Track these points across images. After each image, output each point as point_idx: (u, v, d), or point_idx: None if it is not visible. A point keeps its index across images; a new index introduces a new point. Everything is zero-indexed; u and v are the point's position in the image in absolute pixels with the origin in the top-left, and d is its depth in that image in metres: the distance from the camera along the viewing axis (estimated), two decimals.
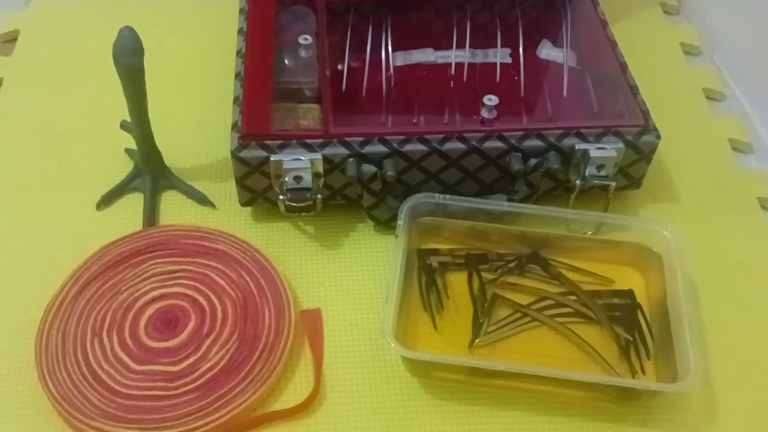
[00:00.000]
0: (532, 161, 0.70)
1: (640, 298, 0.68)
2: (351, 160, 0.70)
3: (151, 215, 0.74)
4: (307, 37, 0.79)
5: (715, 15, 0.95)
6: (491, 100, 0.73)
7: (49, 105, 0.85)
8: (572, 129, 0.70)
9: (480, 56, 0.86)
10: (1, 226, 0.74)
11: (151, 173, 0.76)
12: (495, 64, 0.84)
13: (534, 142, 0.70)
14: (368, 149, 0.69)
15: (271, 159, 0.68)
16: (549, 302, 0.67)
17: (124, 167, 0.78)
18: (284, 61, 0.79)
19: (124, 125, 0.75)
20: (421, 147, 0.70)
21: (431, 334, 0.65)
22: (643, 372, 0.63)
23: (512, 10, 0.87)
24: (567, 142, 0.70)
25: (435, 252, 0.70)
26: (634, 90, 0.74)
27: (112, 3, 0.98)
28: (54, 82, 0.88)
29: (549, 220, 0.71)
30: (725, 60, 0.93)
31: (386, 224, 0.74)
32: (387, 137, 0.69)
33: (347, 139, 0.69)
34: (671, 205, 0.78)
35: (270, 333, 0.64)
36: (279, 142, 0.69)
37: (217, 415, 0.59)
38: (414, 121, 0.74)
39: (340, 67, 0.81)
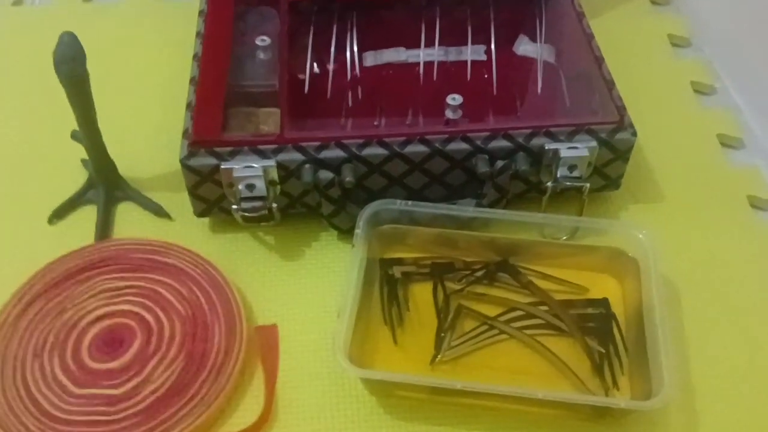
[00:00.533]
0: (499, 163, 0.66)
1: (616, 306, 0.63)
2: (307, 166, 0.66)
3: (103, 228, 0.71)
4: (265, 38, 0.76)
5: (706, 5, 0.90)
6: (455, 99, 0.69)
7: (3, 113, 0.82)
8: (541, 128, 0.66)
9: (453, 54, 0.82)
10: None
11: (104, 184, 0.73)
12: (470, 62, 0.80)
13: (501, 143, 0.66)
14: (325, 154, 0.66)
15: (222, 167, 0.65)
16: (518, 313, 0.63)
17: (80, 178, 0.75)
18: (243, 64, 0.76)
19: (74, 135, 0.72)
20: (381, 151, 0.66)
21: (391, 350, 0.61)
22: (617, 387, 0.59)
23: (487, 5, 0.83)
24: (536, 141, 0.66)
25: (398, 261, 0.66)
26: (609, 85, 0.70)
27: (65, 7, 0.95)
28: (9, 91, 0.85)
29: (521, 225, 0.66)
30: (716, 51, 0.88)
31: (349, 233, 0.70)
32: (344, 141, 0.66)
33: (302, 144, 0.66)
34: (654, 205, 0.73)
35: (219, 352, 0.61)
36: (230, 149, 0.65)
37: None
38: (375, 123, 0.70)
39: (302, 70, 0.78)
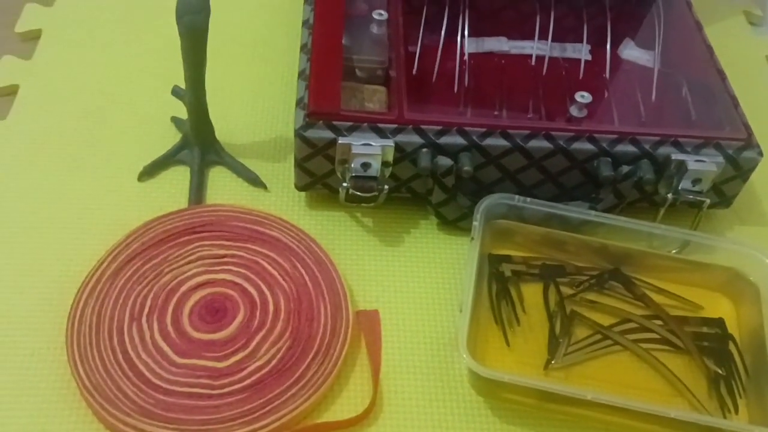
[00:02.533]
0: (624, 168, 0.64)
1: (731, 328, 0.62)
2: (425, 150, 0.63)
3: (198, 192, 0.68)
4: (382, 12, 0.72)
5: None
6: (584, 97, 0.66)
7: (93, 63, 0.78)
8: (670, 137, 0.64)
9: (557, 50, 0.79)
10: (35, 190, 0.67)
11: (200, 146, 0.69)
12: (576, 60, 0.77)
13: (627, 148, 0.64)
14: (445, 140, 0.63)
15: (339, 142, 0.62)
16: (632, 325, 0.61)
17: (169, 137, 0.72)
18: (352, 37, 0.73)
19: (176, 91, 0.68)
20: (503, 142, 0.63)
21: (503, 351, 0.59)
22: (736, 411, 0.57)
23: (596, 3, 0.81)
24: (663, 150, 0.64)
25: (508, 259, 0.64)
26: (734, 101, 0.68)
27: None
28: (99, 37, 0.81)
29: (631, 233, 0.64)
30: None
31: (452, 224, 0.68)
32: (466, 128, 0.63)
33: (423, 126, 0.63)
34: (760, 228, 0.71)
35: (326, 333, 0.58)
36: (348, 123, 0.63)
37: (264, 422, 0.53)
38: (495, 113, 0.68)
39: (411, 48, 0.75)
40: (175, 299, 0.59)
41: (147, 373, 0.55)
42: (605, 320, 0.61)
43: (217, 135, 0.71)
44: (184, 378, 0.55)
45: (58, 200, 0.67)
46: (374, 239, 0.68)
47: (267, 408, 0.54)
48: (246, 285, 0.60)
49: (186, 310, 0.58)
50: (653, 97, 0.72)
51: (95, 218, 0.66)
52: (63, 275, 0.61)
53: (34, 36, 0.81)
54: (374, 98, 0.70)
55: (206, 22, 0.60)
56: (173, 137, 0.72)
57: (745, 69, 0.87)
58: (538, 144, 0.63)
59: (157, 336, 0.57)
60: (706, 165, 0.64)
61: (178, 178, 0.69)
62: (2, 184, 0.67)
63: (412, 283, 0.65)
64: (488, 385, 0.57)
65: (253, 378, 0.55)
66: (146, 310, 0.58)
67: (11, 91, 0.75)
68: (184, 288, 0.59)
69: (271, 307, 0.59)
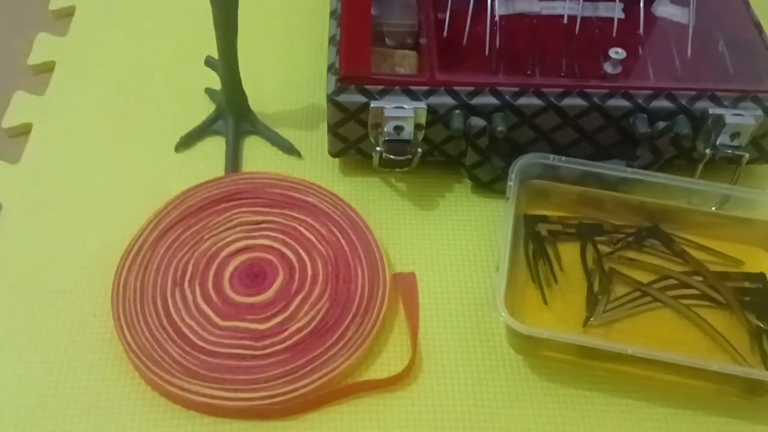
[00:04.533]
0: (660, 124, 0.63)
1: None
2: (457, 111, 0.63)
3: (233, 161, 0.68)
4: None
5: None
6: (618, 53, 0.65)
7: (126, 37, 0.79)
8: (707, 91, 0.63)
9: (590, 9, 0.78)
10: (77, 162, 0.69)
11: (234, 116, 0.70)
12: (609, 18, 0.76)
13: (663, 103, 0.63)
14: (477, 101, 0.63)
15: (372, 105, 0.62)
16: (672, 282, 0.60)
17: (203, 108, 0.73)
18: (382, 2, 0.73)
19: (209, 61, 0.69)
20: (536, 101, 0.63)
21: (540, 309, 0.59)
22: None
23: None
24: (699, 105, 0.63)
25: (544, 219, 0.64)
26: None
27: None
28: (131, 13, 0.82)
29: (670, 190, 0.64)
30: None
31: (487, 186, 0.68)
32: (499, 88, 0.63)
33: (455, 88, 0.63)
34: None
35: (363, 295, 0.59)
36: (380, 87, 0.63)
37: (307, 380, 0.54)
38: (528, 73, 0.67)
39: (440, 10, 0.74)
40: (215, 264, 0.60)
41: (191, 336, 0.56)
42: (644, 278, 0.61)
43: (251, 104, 0.71)
44: (227, 340, 0.56)
45: (98, 174, 0.68)
46: (409, 203, 0.68)
47: (309, 367, 0.55)
48: (284, 250, 0.61)
49: (226, 274, 0.59)
50: (689, 52, 0.71)
51: (135, 189, 0.67)
52: (106, 244, 0.63)
53: (68, 13, 0.82)
54: (405, 63, 0.70)
55: None
56: (208, 108, 0.73)
57: None
58: (572, 102, 0.63)
59: (199, 300, 0.58)
60: (744, 119, 0.62)
61: (214, 148, 0.70)
62: (44, 159, 0.69)
63: (448, 246, 0.65)
64: (527, 343, 0.58)
65: (294, 339, 0.56)
66: (188, 275, 0.59)
67: (48, 68, 0.77)
68: (223, 254, 0.60)
69: (309, 271, 0.60)
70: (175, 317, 0.57)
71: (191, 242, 0.61)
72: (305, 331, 0.56)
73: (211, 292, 0.58)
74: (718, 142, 0.64)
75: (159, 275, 0.59)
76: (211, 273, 0.59)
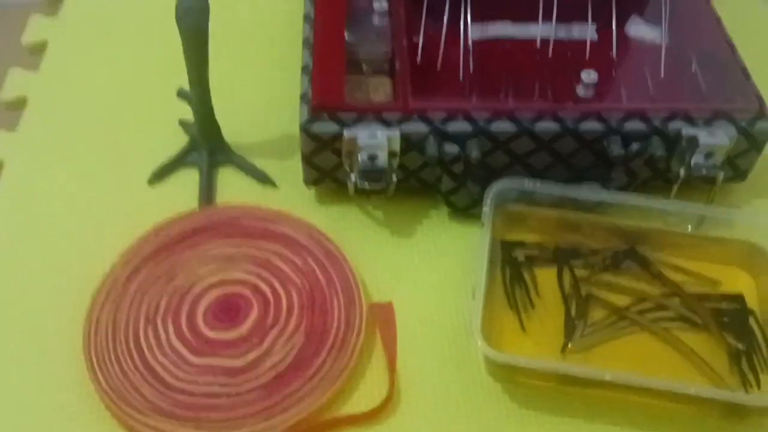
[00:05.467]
0: (634, 146, 0.63)
1: (751, 303, 0.61)
2: (431, 138, 0.63)
3: (207, 193, 0.68)
4: (383, 2, 0.72)
5: None
6: (590, 75, 0.65)
7: (99, 70, 0.79)
8: (680, 111, 0.63)
9: (563, 31, 0.78)
10: (48, 198, 0.68)
11: (208, 148, 0.70)
12: (581, 40, 0.76)
13: (636, 125, 0.63)
14: (451, 127, 0.63)
15: (345, 134, 0.62)
16: (649, 304, 0.60)
17: (177, 140, 0.72)
18: (354, 30, 0.73)
19: (181, 93, 0.68)
20: (510, 126, 0.63)
21: (518, 335, 0.59)
22: (758, 386, 0.56)
23: None
24: (673, 126, 0.63)
25: (520, 244, 0.64)
26: (745, 72, 0.67)
27: None
28: (103, 45, 0.81)
29: (645, 212, 0.63)
30: None
31: (463, 211, 0.67)
32: (472, 114, 0.63)
33: (428, 114, 0.63)
34: None
35: (340, 327, 0.58)
36: (353, 115, 0.62)
37: (283, 417, 0.53)
38: (501, 98, 0.67)
39: (413, 37, 0.74)
40: (188, 300, 0.59)
41: (164, 374, 0.55)
42: (622, 301, 0.61)
43: (225, 135, 0.71)
44: (201, 377, 0.55)
45: (69, 209, 0.67)
46: (386, 231, 0.67)
47: (285, 403, 0.54)
48: (258, 283, 0.60)
49: (200, 310, 0.59)
50: (662, 72, 0.71)
51: (107, 224, 0.66)
52: (78, 281, 0.62)
53: (40, 47, 0.81)
54: (379, 90, 0.70)
55: (206, 22, 0.60)
56: (182, 140, 0.72)
57: (757, 38, 0.85)
58: (546, 126, 0.63)
59: (172, 337, 0.57)
60: (718, 138, 0.62)
61: (188, 180, 0.70)
62: (14, 193, 0.68)
63: (426, 273, 0.64)
64: (505, 371, 0.57)
65: (270, 374, 0.55)
66: (161, 312, 0.58)
67: (21, 103, 0.76)
68: (197, 289, 0.60)
69: (284, 304, 0.59)
70: (148, 355, 0.56)
71: (164, 278, 0.60)
72: (281, 366, 0.56)
73: (185, 328, 0.57)
74: (692, 163, 0.63)
75: (131, 312, 0.58)
76: (185, 309, 0.58)
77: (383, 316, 0.61)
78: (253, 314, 0.58)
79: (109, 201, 0.68)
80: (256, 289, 0.60)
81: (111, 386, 0.54)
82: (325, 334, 0.58)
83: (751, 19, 0.87)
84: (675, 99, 0.66)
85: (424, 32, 0.75)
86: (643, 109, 0.63)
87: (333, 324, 0.58)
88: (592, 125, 0.63)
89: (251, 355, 0.56)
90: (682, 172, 0.64)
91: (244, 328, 0.58)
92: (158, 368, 0.55)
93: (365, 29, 0.73)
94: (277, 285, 0.60)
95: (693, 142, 0.63)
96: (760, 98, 0.65)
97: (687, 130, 0.63)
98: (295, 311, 0.59)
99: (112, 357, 0.56)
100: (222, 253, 0.62)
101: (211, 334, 0.57)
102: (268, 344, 0.57)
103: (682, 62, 0.72)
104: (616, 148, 0.63)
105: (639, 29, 0.79)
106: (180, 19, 0.60)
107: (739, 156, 0.66)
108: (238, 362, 0.56)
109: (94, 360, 0.56)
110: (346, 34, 0.71)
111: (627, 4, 0.78)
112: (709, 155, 0.63)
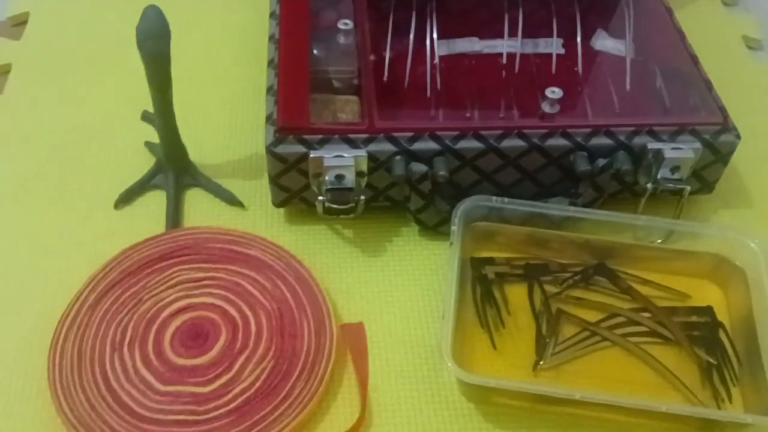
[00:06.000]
0: (600, 161, 0.63)
1: (721, 315, 0.61)
2: (398, 157, 0.63)
3: (174, 216, 0.67)
4: (348, 21, 0.72)
5: None
6: (554, 92, 0.66)
7: (63, 93, 0.78)
8: (644, 126, 0.63)
9: (529, 46, 0.79)
10: (13, 226, 0.67)
11: (174, 170, 0.69)
12: (548, 54, 0.77)
13: (602, 141, 0.63)
14: (418, 146, 0.63)
15: (311, 155, 0.62)
16: (620, 319, 0.60)
17: (144, 162, 0.71)
18: (320, 49, 0.72)
19: (146, 116, 0.68)
20: (476, 144, 0.63)
21: (490, 355, 0.58)
22: (730, 400, 0.56)
23: None
24: (638, 140, 0.63)
25: (490, 261, 0.63)
26: (708, 85, 0.67)
27: None
28: (67, 69, 0.80)
29: (614, 226, 0.64)
30: None
31: (433, 229, 0.67)
32: (438, 133, 0.63)
33: (394, 134, 0.62)
34: (745, 211, 0.71)
35: (310, 350, 0.57)
36: (319, 136, 0.62)
37: None
38: (467, 115, 0.67)
39: (380, 55, 0.74)
40: (155, 326, 0.58)
41: (131, 403, 0.54)
42: (592, 316, 0.61)
43: (192, 157, 0.70)
44: (168, 405, 0.54)
45: (35, 236, 0.66)
46: (356, 250, 0.67)
47: (255, 429, 0.53)
48: (227, 307, 0.59)
49: (167, 336, 0.58)
50: (627, 86, 0.71)
51: (73, 250, 0.65)
52: (43, 310, 0.61)
53: (3, 71, 0.80)
54: (347, 108, 0.70)
55: (167, 46, 0.60)
56: (149, 162, 0.71)
57: (721, 50, 0.86)
58: (512, 143, 0.63)
59: (139, 365, 0.56)
60: (683, 152, 0.63)
61: (155, 203, 0.69)
62: None
63: (397, 292, 0.64)
64: (477, 391, 0.57)
65: (239, 401, 0.54)
66: (127, 339, 0.57)
67: None
68: (164, 314, 0.59)
69: (253, 328, 0.58)
70: (114, 384, 0.55)
71: (130, 304, 0.59)
72: (250, 392, 0.55)
73: (152, 355, 0.56)
74: (659, 176, 0.64)
75: (97, 340, 0.57)
76: (151, 335, 0.57)
77: (354, 337, 0.60)
78: (222, 339, 0.58)
79: (74, 227, 0.67)
80: (224, 314, 0.59)
81: (77, 417, 0.53)
82: (294, 358, 0.57)
83: (714, 31, 0.88)
84: (640, 114, 0.66)
85: (391, 49, 0.75)
86: (608, 125, 0.63)
87: (303, 348, 0.57)
88: (557, 141, 0.63)
89: (220, 381, 0.55)
90: (649, 186, 0.64)
91: (213, 353, 0.57)
92: (125, 397, 0.54)
93: (331, 48, 0.73)
94: (246, 309, 0.59)
95: (659, 156, 0.63)
96: (723, 111, 0.65)
97: (652, 145, 0.63)
98: (265, 335, 0.58)
99: (78, 387, 0.55)
100: (190, 277, 0.61)
101: (178, 360, 0.56)
102: (237, 370, 0.56)
103: (646, 76, 0.72)
104: (582, 164, 0.63)
105: (604, 44, 0.80)
106: (141, 43, 0.59)
107: (705, 169, 0.66)
108: (207, 388, 0.55)
109: (60, 391, 0.54)
110: (314, 52, 0.71)
111: (592, 19, 0.79)
112: (675, 169, 0.64)
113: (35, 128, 0.75)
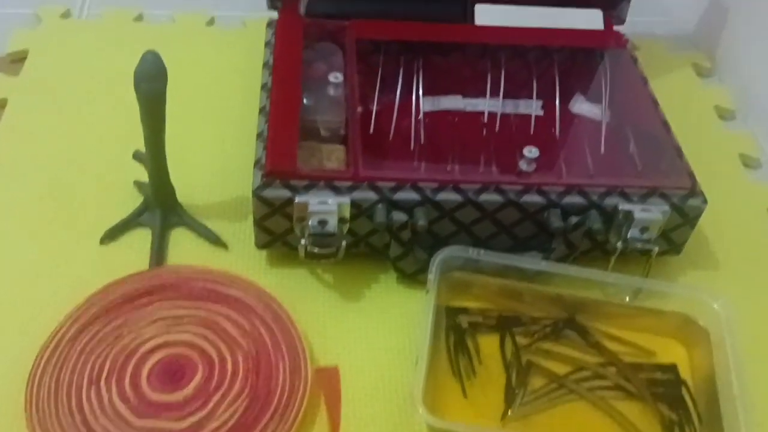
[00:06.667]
0: (573, 219, 0.66)
1: (684, 373, 0.63)
2: (380, 206, 0.65)
3: (159, 254, 0.69)
4: (338, 74, 0.75)
5: (748, 77, 0.93)
6: (531, 151, 0.69)
7: (56, 129, 0.80)
8: (616, 187, 0.66)
9: (510, 106, 0.82)
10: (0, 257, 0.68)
11: (161, 208, 0.71)
12: (528, 115, 0.80)
13: (575, 199, 0.66)
14: (399, 195, 0.65)
15: (296, 200, 0.64)
16: (587, 373, 0.62)
17: (131, 200, 0.73)
18: (310, 99, 0.75)
19: (137, 155, 0.70)
20: (455, 197, 0.65)
21: (461, 402, 0.60)
22: None
23: (546, 61, 0.84)
24: (610, 201, 0.66)
25: (464, 311, 0.65)
26: (678, 151, 0.71)
27: (128, 26, 0.94)
28: (62, 106, 0.83)
29: (585, 282, 0.66)
30: (760, 124, 0.90)
31: (411, 277, 0.69)
32: (420, 184, 0.65)
33: (378, 183, 0.65)
34: (711, 272, 0.73)
35: (284, 391, 0.59)
36: (305, 182, 0.64)
37: None
38: (448, 169, 0.70)
39: (367, 107, 0.77)
40: (133, 361, 0.59)
41: None
42: (561, 369, 0.62)
43: (179, 196, 0.72)
44: None
45: (20, 267, 0.67)
46: (335, 295, 0.69)
47: None
48: (204, 345, 0.61)
49: (144, 372, 0.59)
50: (602, 149, 0.75)
51: (58, 284, 0.66)
52: (24, 341, 0.61)
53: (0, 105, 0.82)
54: (333, 157, 0.72)
55: (163, 89, 0.62)
56: (137, 200, 0.73)
57: (695, 119, 0.90)
58: (489, 197, 0.65)
59: (115, 399, 0.57)
60: (652, 214, 0.66)
61: (141, 240, 0.70)
62: None
63: (372, 337, 0.66)
64: None
65: None
66: (105, 373, 0.58)
67: None
68: (143, 350, 0.60)
69: (229, 367, 0.60)
70: (90, 417, 0.55)
71: (110, 338, 0.60)
72: (223, 430, 0.56)
73: (128, 390, 0.57)
74: (628, 236, 0.66)
75: (75, 373, 0.58)
76: (129, 370, 0.58)
77: (328, 380, 0.61)
78: (198, 376, 0.59)
79: (61, 260, 0.68)
80: (202, 352, 0.60)
81: None
82: (268, 398, 0.58)
83: (689, 100, 0.92)
84: (612, 175, 0.69)
85: (378, 102, 0.78)
86: (581, 185, 0.66)
87: (277, 389, 0.59)
88: (533, 198, 0.65)
89: (193, 418, 0.56)
90: (619, 244, 0.67)
91: (188, 390, 0.58)
92: (100, 431, 0.55)
93: (321, 99, 0.76)
94: (224, 348, 0.61)
95: (629, 216, 0.66)
96: (692, 176, 0.68)
97: (623, 206, 0.66)
98: (240, 375, 0.59)
99: (54, 420, 0.55)
100: (170, 314, 0.62)
101: (154, 396, 0.57)
102: (211, 407, 0.57)
103: (620, 140, 0.76)
104: (555, 221, 0.66)
105: (582, 107, 0.83)
106: (138, 84, 0.61)
107: (674, 231, 0.69)
108: (181, 425, 0.56)
109: (36, 423, 0.55)
110: (304, 101, 0.74)
111: (572, 83, 0.83)
112: (644, 229, 0.66)
113: (27, 161, 0.76)
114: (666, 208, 0.66)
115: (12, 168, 0.76)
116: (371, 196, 0.65)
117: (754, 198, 0.82)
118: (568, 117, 0.80)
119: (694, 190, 0.67)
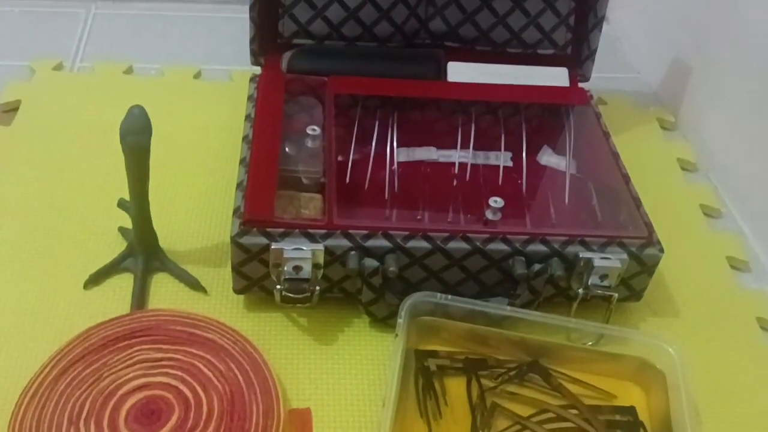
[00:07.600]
0: (536, 266, 0.69)
1: (642, 415, 0.66)
2: (353, 253, 0.68)
3: (140, 298, 0.71)
4: (316, 128, 0.79)
5: (710, 132, 0.97)
6: (497, 202, 0.73)
7: (46, 177, 0.83)
8: (576, 237, 0.70)
9: (481, 158, 0.86)
10: None
11: (144, 254, 0.74)
12: (497, 166, 0.84)
13: (538, 247, 0.69)
14: (371, 243, 0.68)
15: (272, 247, 0.67)
16: (550, 415, 0.65)
17: (115, 245, 0.76)
18: (289, 150, 0.79)
19: (121, 204, 0.73)
20: (424, 244, 0.69)
21: None
22: None
23: (515, 115, 0.88)
24: (571, 249, 0.70)
25: (433, 354, 0.68)
26: (637, 202, 0.75)
27: (118, 78, 0.98)
28: (52, 154, 0.86)
29: (549, 327, 0.69)
30: (720, 177, 0.95)
31: (383, 321, 0.72)
32: (391, 232, 0.68)
33: (350, 231, 0.68)
34: (671, 319, 0.77)
35: None
36: (281, 230, 0.68)
37: None
38: (418, 217, 0.73)
39: (344, 158, 0.81)
40: (112, 402, 0.61)
41: None
42: (525, 411, 0.65)
43: (161, 242, 0.75)
44: None
45: (8, 309, 0.70)
46: (309, 338, 0.71)
47: None
48: (181, 387, 0.63)
49: (122, 412, 0.61)
50: (565, 200, 0.78)
51: (40, 326, 0.69)
52: (6, 383, 0.64)
53: None
54: (310, 205, 0.76)
55: (148, 142, 0.66)
56: (121, 246, 0.76)
57: (657, 171, 0.95)
58: (457, 245, 0.69)
59: None
60: (611, 262, 0.69)
61: (123, 285, 0.73)
62: None
63: (344, 380, 0.68)
64: None
65: None
66: (84, 413, 0.60)
67: None
68: (121, 391, 0.62)
69: (204, 408, 0.62)
70: None
71: (90, 380, 0.62)
72: None
73: (106, 430, 0.59)
74: (589, 283, 0.70)
75: (56, 413, 0.60)
76: (107, 411, 0.61)
77: (300, 422, 0.64)
78: (174, 418, 0.61)
79: (43, 304, 0.71)
80: (178, 393, 0.63)
81: None
82: None
83: (652, 153, 0.97)
84: (574, 225, 0.73)
85: (354, 153, 0.82)
86: (545, 233, 0.69)
87: (250, 430, 0.61)
88: (498, 246, 0.69)
89: None
90: (580, 291, 0.70)
91: (165, 431, 0.60)
92: None
93: (300, 150, 0.80)
94: (199, 389, 0.63)
95: (589, 264, 0.69)
96: (649, 227, 0.72)
97: (584, 254, 0.69)
98: (215, 416, 0.61)
99: None
100: (149, 357, 0.65)
101: None
102: None
103: (582, 191, 0.80)
104: (520, 268, 0.69)
105: (549, 160, 0.88)
106: (124, 137, 0.65)
107: (633, 278, 0.72)
108: None
109: None
110: (286, 151, 0.77)
111: (539, 137, 0.87)
112: (603, 276, 0.70)
113: (16, 206, 0.79)
114: (624, 256, 0.70)
115: (1, 212, 0.79)
116: (344, 243, 0.68)
117: (714, 247, 0.85)
118: (535, 169, 0.84)
119: (651, 240, 0.71)
